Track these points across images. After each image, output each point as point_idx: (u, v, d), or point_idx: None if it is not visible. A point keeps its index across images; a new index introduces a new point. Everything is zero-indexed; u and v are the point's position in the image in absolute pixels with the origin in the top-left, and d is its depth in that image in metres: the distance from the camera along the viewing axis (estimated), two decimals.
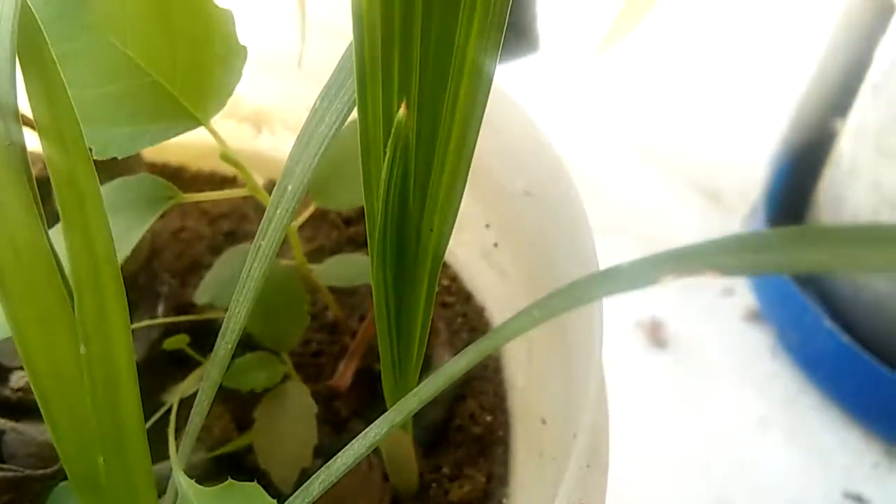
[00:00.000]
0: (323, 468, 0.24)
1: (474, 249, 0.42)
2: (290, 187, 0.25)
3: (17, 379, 0.38)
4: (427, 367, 0.31)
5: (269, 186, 0.37)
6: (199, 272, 0.44)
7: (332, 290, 0.40)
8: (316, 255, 0.44)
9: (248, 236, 0.46)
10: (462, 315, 0.41)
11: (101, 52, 0.31)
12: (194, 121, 0.31)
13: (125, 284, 0.25)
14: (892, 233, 0.14)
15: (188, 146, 0.49)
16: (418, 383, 0.29)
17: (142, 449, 0.25)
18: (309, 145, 0.25)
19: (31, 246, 0.24)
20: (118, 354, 0.25)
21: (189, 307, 0.42)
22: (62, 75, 0.25)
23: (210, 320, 0.40)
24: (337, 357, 0.40)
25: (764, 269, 0.16)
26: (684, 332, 0.77)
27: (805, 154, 0.79)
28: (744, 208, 0.85)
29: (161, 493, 0.29)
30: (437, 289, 0.27)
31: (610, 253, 0.27)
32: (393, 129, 0.20)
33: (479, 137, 0.24)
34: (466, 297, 0.42)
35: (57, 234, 0.26)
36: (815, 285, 0.72)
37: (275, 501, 0.25)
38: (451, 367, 0.20)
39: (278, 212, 0.25)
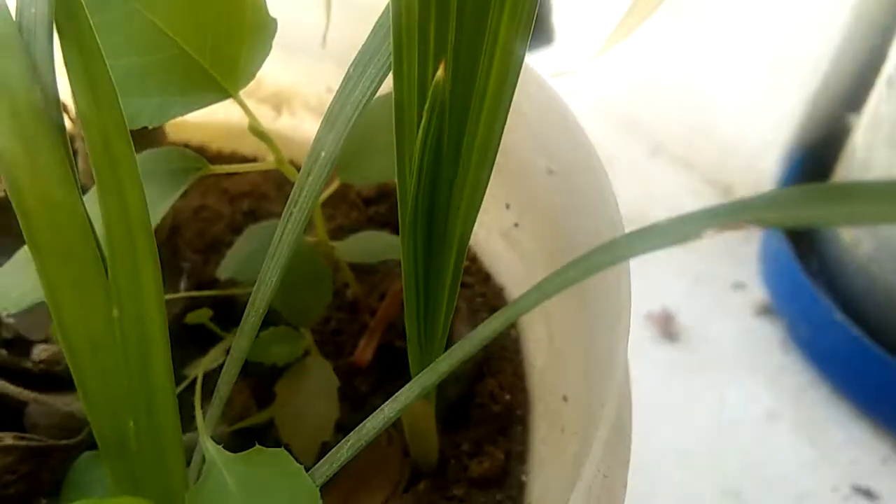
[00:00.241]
0: (353, 432, 0.24)
1: (494, 229, 0.42)
2: (322, 153, 0.25)
3: (39, 352, 0.38)
4: (448, 346, 0.31)
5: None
6: (219, 250, 0.44)
7: (352, 268, 0.41)
8: (336, 234, 0.44)
9: (269, 215, 0.46)
10: (481, 295, 0.42)
11: (131, 23, 0.31)
12: (223, 92, 0.31)
13: None
14: None
15: (209, 126, 0.49)
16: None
17: (172, 413, 0.25)
18: (342, 113, 0.25)
19: (66, 207, 0.25)
20: (151, 318, 0.25)
21: (209, 284, 0.43)
22: (98, 41, 0.25)
23: (231, 296, 0.41)
24: (356, 335, 0.41)
25: (802, 221, 0.16)
26: (695, 324, 0.77)
27: (819, 148, 0.79)
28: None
29: (187, 464, 0.29)
30: (464, 262, 0.28)
31: None
32: (430, 91, 0.21)
33: None
34: (486, 277, 0.42)
35: (89, 201, 0.26)
36: (827, 279, 0.72)
37: (301, 468, 0.25)
38: (485, 329, 0.20)
39: (310, 178, 0.26)
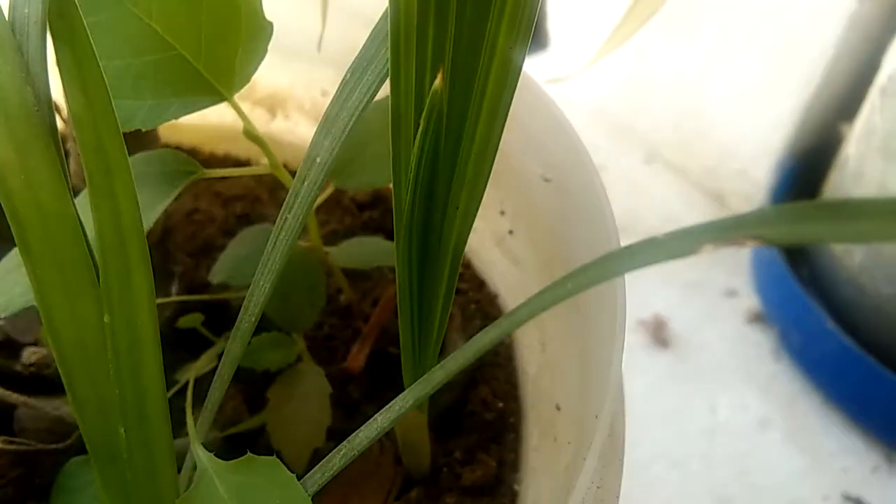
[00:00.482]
0: (345, 442, 0.24)
1: (488, 237, 0.42)
2: (318, 159, 0.25)
3: (29, 355, 0.38)
4: (441, 353, 0.31)
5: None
6: (211, 253, 0.44)
7: (345, 273, 0.40)
8: (329, 239, 0.44)
9: (262, 218, 0.46)
10: (475, 302, 0.41)
11: (125, 25, 0.31)
12: (218, 96, 0.31)
13: None
14: None
15: (201, 128, 0.49)
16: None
17: (163, 420, 0.25)
18: (339, 118, 0.25)
19: (57, 213, 0.24)
20: (142, 323, 0.25)
21: (201, 288, 0.42)
22: (92, 43, 0.25)
23: (222, 300, 0.40)
24: (349, 341, 0.40)
25: (803, 238, 0.16)
26: (687, 331, 0.77)
27: (811, 157, 0.79)
28: (747, 210, 0.85)
29: (177, 470, 0.29)
30: (459, 271, 0.27)
31: None
32: (428, 99, 0.21)
33: None
34: (479, 284, 0.42)
35: (80, 203, 0.25)
36: (819, 288, 0.72)
37: (293, 476, 0.25)
38: (481, 340, 0.20)
39: (305, 184, 0.25)
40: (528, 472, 0.34)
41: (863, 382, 0.68)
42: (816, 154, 0.79)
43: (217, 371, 0.27)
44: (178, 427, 0.32)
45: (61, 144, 0.26)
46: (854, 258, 0.67)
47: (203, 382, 0.35)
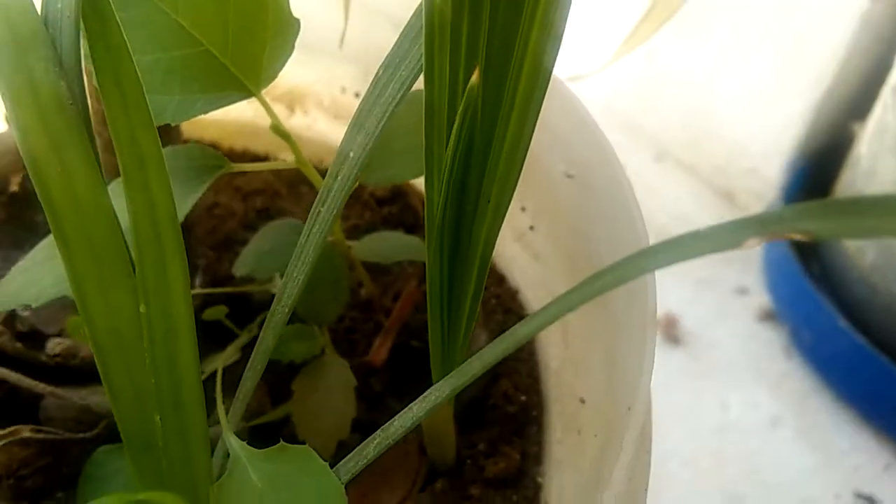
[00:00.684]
0: (379, 431, 0.24)
1: (508, 232, 0.42)
2: (351, 154, 0.25)
3: (54, 345, 0.38)
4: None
5: None
6: (232, 247, 0.44)
7: (365, 267, 0.41)
8: (350, 234, 0.44)
9: (281, 213, 0.47)
10: (496, 297, 0.42)
11: (154, 20, 0.31)
12: (245, 91, 0.31)
13: None
14: None
15: (221, 123, 0.49)
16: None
17: (199, 408, 0.25)
18: (371, 114, 0.25)
19: (93, 205, 0.25)
20: (178, 313, 0.25)
21: (223, 280, 0.43)
22: (126, 38, 0.25)
23: (245, 293, 0.41)
24: (370, 334, 0.41)
25: (846, 233, 0.16)
26: (698, 329, 0.77)
27: (823, 156, 0.79)
28: (757, 208, 0.85)
29: None
30: (488, 269, 0.28)
31: None
32: (464, 95, 0.21)
33: None
34: (500, 278, 0.43)
35: (111, 194, 0.26)
36: (830, 286, 0.72)
37: (326, 465, 0.25)
38: (520, 330, 0.21)
39: (338, 179, 0.26)
40: (552, 464, 0.35)
41: (874, 380, 0.68)
42: (828, 153, 0.79)
43: (249, 362, 0.28)
44: (207, 416, 0.32)
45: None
46: (866, 257, 0.67)
47: (226, 373, 0.35)
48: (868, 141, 0.69)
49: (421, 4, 0.24)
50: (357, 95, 0.46)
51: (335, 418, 0.34)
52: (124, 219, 0.26)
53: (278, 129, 0.32)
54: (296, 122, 0.49)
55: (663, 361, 0.75)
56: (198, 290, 0.39)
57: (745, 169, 0.87)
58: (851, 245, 0.69)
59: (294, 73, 0.48)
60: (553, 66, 0.24)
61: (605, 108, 0.94)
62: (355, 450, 0.24)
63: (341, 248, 0.38)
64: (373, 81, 0.26)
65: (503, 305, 0.41)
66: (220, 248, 0.44)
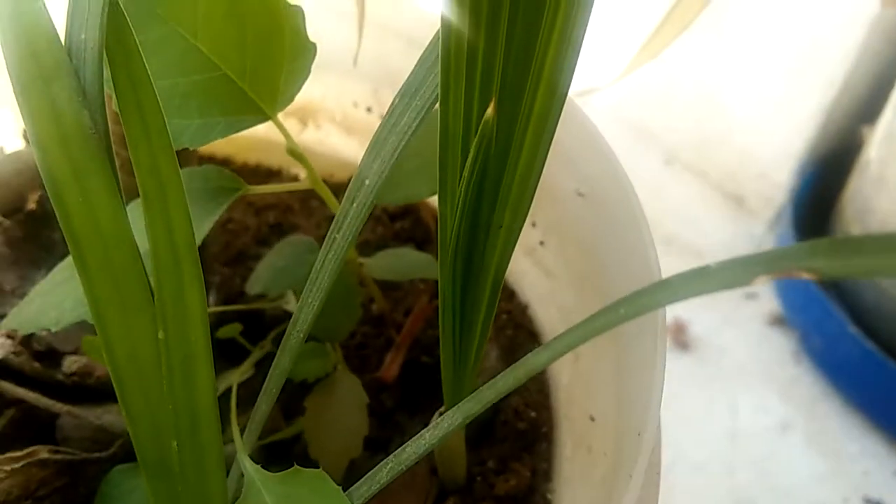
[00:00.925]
0: (391, 457, 0.25)
1: (519, 247, 0.42)
2: (367, 181, 0.26)
3: (70, 363, 0.39)
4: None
5: None
6: (245, 262, 0.45)
7: (376, 283, 0.41)
8: (362, 249, 0.44)
9: (294, 228, 0.47)
10: (506, 312, 0.42)
11: (172, 45, 0.31)
12: (262, 115, 0.32)
13: None
14: None
15: (234, 138, 0.50)
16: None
17: (215, 434, 0.26)
18: (387, 142, 0.26)
19: (114, 233, 0.25)
20: (195, 340, 0.26)
21: (236, 296, 0.43)
22: (147, 67, 0.26)
23: (258, 309, 0.41)
24: (381, 350, 0.41)
25: (854, 272, 0.16)
26: (707, 335, 0.77)
27: (832, 160, 0.79)
28: (767, 213, 0.85)
29: None
30: (500, 293, 0.28)
31: None
32: (479, 129, 0.21)
33: None
34: (510, 294, 0.43)
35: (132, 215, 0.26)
36: (839, 291, 0.72)
37: (339, 489, 0.26)
38: (533, 360, 0.21)
39: (354, 205, 0.26)
40: (562, 481, 0.35)
41: (884, 386, 0.68)
42: (837, 157, 0.79)
43: (264, 385, 0.28)
44: (221, 432, 0.33)
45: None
46: None
47: (240, 388, 0.36)
48: (877, 146, 0.69)
49: (437, 33, 0.24)
50: (369, 110, 0.47)
51: (347, 437, 0.34)
52: (142, 240, 0.26)
53: (294, 152, 0.33)
54: (308, 137, 0.50)
55: (672, 367, 0.75)
56: (213, 309, 0.39)
57: (754, 173, 0.87)
58: None
59: (307, 88, 0.49)
60: (567, 93, 0.24)
61: (615, 112, 0.94)
62: (367, 475, 0.25)
63: (353, 265, 0.38)
64: (389, 109, 0.26)
65: (513, 321, 0.42)
66: (234, 264, 0.45)
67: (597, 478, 0.31)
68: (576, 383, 0.36)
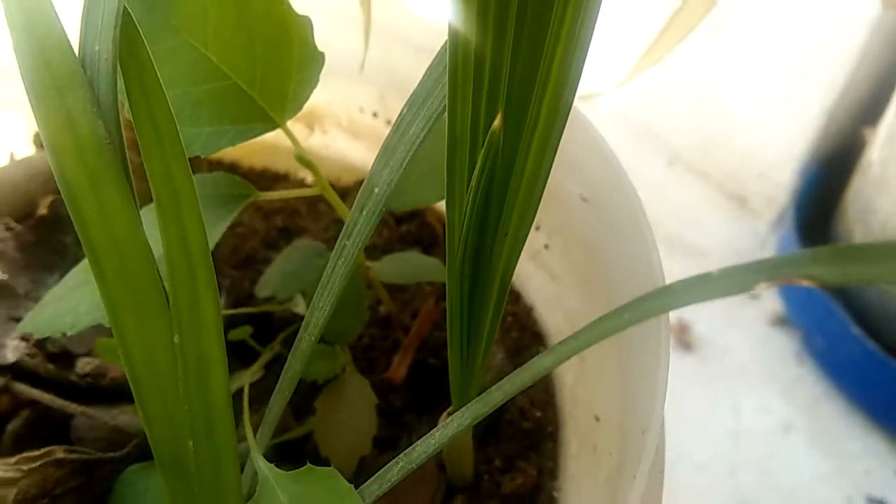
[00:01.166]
0: (401, 455, 0.25)
1: (523, 250, 0.43)
2: (376, 189, 0.26)
3: (83, 365, 0.40)
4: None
5: None
6: (254, 265, 0.46)
7: (384, 286, 0.42)
8: (369, 252, 0.45)
9: (301, 231, 0.48)
10: (512, 314, 0.43)
11: (183, 55, 0.32)
12: (272, 123, 0.32)
13: None
14: None
15: (242, 144, 0.50)
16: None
17: (230, 434, 0.27)
18: (397, 150, 0.26)
19: (129, 240, 0.26)
20: (210, 343, 0.26)
21: (245, 299, 0.44)
22: (159, 77, 0.26)
23: (267, 312, 0.42)
24: (389, 351, 0.42)
25: (854, 279, 0.17)
26: (711, 335, 0.78)
27: (834, 161, 0.80)
28: (769, 213, 0.86)
29: None
30: (506, 297, 0.29)
31: None
32: (486, 139, 0.22)
33: None
34: (515, 296, 0.44)
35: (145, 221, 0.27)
36: (842, 292, 0.73)
37: (351, 486, 0.26)
38: (540, 363, 0.22)
39: (364, 213, 0.27)
40: (567, 480, 0.35)
41: (886, 386, 0.68)
42: (840, 158, 0.79)
43: (276, 387, 0.29)
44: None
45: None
46: None
47: (251, 389, 0.36)
48: (879, 147, 0.69)
49: (445, 44, 0.25)
50: (374, 115, 0.47)
51: (357, 436, 0.35)
52: (156, 246, 0.27)
53: (302, 159, 0.33)
54: (315, 142, 0.50)
55: (676, 367, 0.75)
56: (223, 312, 0.40)
57: (757, 174, 0.87)
58: None
59: (314, 94, 0.50)
60: (572, 102, 0.25)
61: (618, 113, 0.94)
62: (378, 473, 0.25)
63: (361, 268, 0.39)
64: (397, 119, 0.27)
65: (519, 323, 0.42)
66: (243, 267, 0.45)
67: (602, 477, 0.32)
68: (581, 384, 0.37)
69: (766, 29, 0.80)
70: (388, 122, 0.47)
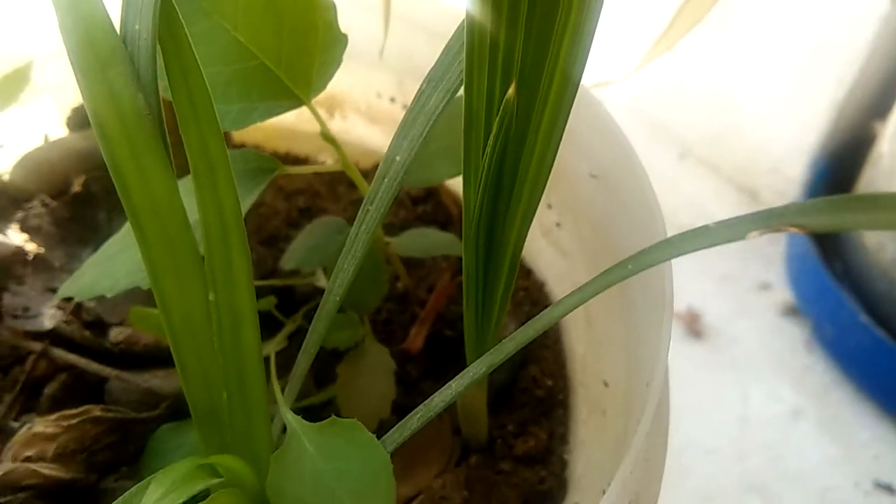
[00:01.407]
0: (421, 406, 0.27)
1: (536, 228, 0.44)
2: (398, 158, 0.28)
3: (117, 333, 0.42)
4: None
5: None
6: (277, 244, 0.48)
7: (402, 262, 0.44)
8: (387, 230, 0.47)
9: (322, 211, 0.50)
10: (524, 289, 0.44)
11: (215, 36, 0.34)
12: (297, 101, 0.34)
13: None
14: None
15: (265, 128, 0.53)
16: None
17: (261, 385, 0.28)
18: (416, 122, 0.28)
19: (167, 204, 0.28)
20: (242, 301, 0.28)
21: (269, 275, 0.46)
22: (196, 55, 0.28)
23: (289, 286, 0.44)
24: (406, 325, 0.44)
25: (840, 227, 0.18)
26: (721, 324, 0.79)
27: (844, 154, 0.81)
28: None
29: None
30: (519, 262, 0.30)
31: None
32: (501, 107, 0.23)
33: None
34: (527, 272, 0.45)
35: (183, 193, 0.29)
36: (852, 282, 0.74)
37: (374, 436, 0.28)
38: (551, 313, 0.23)
39: (386, 180, 0.29)
40: (578, 443, 0.37)
41: (895, 374, 0.69)
42: (850, 151, 0.80)
43: (303, 345, 0.31)
44: None
45: None
46: (887, 253, 0.69)
47: (276, 358, 0.38)
48: (889, 139, 0.70)
49: (462, 23, 0.27)
50: (392, 101, 0.49)
51: (377, 400, 0.37)
52: (192, 215, 0.29)
53: (326, 136, 0.35)
54: (335, 127, 0.52)
55: (686, 355, 0.77)
56: None
57: (767, 167, 0.88)
58: (872, 241, 0.71)
59: (335, 79, 0.52)
60: (581, 78, 0.26)
61: (629, 107, 0.96)
62: (399, 423, 0.27)
63: (380, 243, 0.41)
64: (417, 93, 0.29)
65: (530, 297, 0.44)
66: (266, 245, 0.47)
67: (611, 438, 0.34)
68: (591, 351, 0.39)
69: (775, 23, 0.81)
70: (405, 107, 0.49)
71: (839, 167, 0.81)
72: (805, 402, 0.73)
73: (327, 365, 0.40)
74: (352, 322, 0.38)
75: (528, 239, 0.46)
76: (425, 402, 0.27)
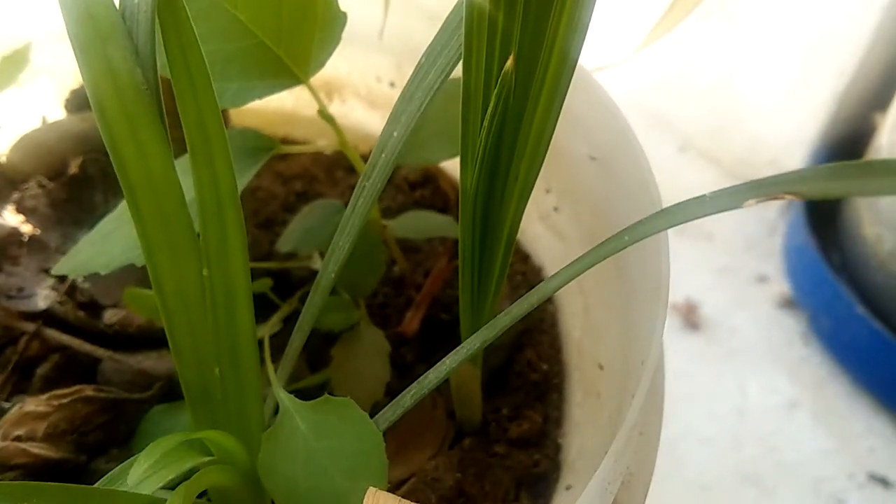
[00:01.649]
0: (414, 384, 0.27)
1: (534, 212, 0.44)
2: (395, 133, 0.28)
3: (111, 315, 0.42)
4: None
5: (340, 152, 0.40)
6: (273, 228, 0.47)
7: (398, 246, 0.43)
8: (384, 215, 0.47)
9: (319, 195, 0.49)
10: (521, 273, 0.44)
11: (215, 14, 0.34)
12: (295, 79, 0.34)
13: None
14: None
15: (263, 112, 0.52)
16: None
17: (254, 362, 0.28)
18: (414, 97, 0.28)
19: (164, 179, 0.27)
20: (236, 276, 0.28)
21: (265, 259, 0.46)
22: (195, 31, 0.28)
23: (285, 269, 0.44)
24: (402, 309, 0.44)
25: (832, 194, 0.18)
26: (718, 315, 0.79)
27: (844, 146, 0.81)
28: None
29: None
30: (514, 243, 0.30)
31: None
32: (499, 80, 0.23)
33: None
34: (525, 256, 0.45)
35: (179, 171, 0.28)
36: (849, 274, 0.74)
37: (366, 414, 0.28)
38: (545, 287, 0.23)
39: (383, 155, 0.28)
40: (572, 427, 0.37)
41: (891, 366, 0.69)
42: (850, 143, 0.80)
43: (297, 324, 0.31)
44: None
45: None
46: (885, 245, 0.69)
47: (271, 340, 0.38)
48: (889, 132, 0.70)
49: (460, 1, 0.27)
50: (392, 85, 0.49)
51: (371, 382, 0.37)
52: (189, 194, 0.28)
53: (324, 114, 0.35)
54: (334, 110, 0.52)
55: (683, 346, 0.77)
56: None
57: (767, 159, 0.88)
58: (870, 234, 0.71)
59: (333, 63, 0.51)
60: (578, 56, 0.26)
61: (629, 99, 0.95)
62: (393, 401, 0.27)
63: (377, 226, 0.40)
64: (415, 69, 0.28)
65: (528, 281, 0.44)
66: (262, 228, 0.47)
67: (605, 421, 0.34)
68: (586, 335, 0.39)
69: (776, 15, 0.80)
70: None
71: (839, 159, 0.81)
72: (801, 393, 0.73)
73: (322, 349, 0.40)
74: (346, 304, 0.38)
75: (525, 223, 0.46)
76: (419, 380, 0.26)
